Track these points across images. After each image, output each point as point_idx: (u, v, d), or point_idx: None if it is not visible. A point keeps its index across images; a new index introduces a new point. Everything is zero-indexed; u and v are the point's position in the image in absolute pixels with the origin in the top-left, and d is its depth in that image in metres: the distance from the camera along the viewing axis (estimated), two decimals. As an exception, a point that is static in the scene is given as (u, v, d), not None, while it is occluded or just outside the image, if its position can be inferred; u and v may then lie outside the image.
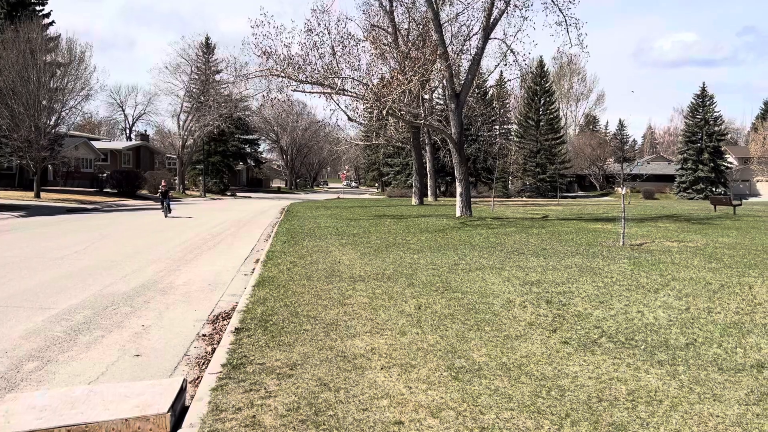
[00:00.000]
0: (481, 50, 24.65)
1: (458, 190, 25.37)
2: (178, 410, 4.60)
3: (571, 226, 21.20)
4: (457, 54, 27.18)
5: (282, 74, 23.50)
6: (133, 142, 68.49)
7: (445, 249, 14.06)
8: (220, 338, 6.87)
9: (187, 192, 58.93)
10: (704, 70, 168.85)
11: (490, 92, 64.54)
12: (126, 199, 43.09)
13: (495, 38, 25.27)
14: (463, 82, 25.61)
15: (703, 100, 70.23)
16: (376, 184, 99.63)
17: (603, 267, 11.36)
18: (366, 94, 22.14)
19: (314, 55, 22.64)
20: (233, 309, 8.41)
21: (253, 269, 11.96)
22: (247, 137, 74.52)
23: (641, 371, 5.40)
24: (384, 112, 21.41)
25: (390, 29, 32.77)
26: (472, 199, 27.15)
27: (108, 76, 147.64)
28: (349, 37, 24.26)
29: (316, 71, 22.84)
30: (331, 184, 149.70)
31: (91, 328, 7.26)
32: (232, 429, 4.16)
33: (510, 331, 6.71)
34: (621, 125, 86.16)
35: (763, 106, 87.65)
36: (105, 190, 47.80)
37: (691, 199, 66.90)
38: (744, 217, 27.94)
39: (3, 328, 7.04)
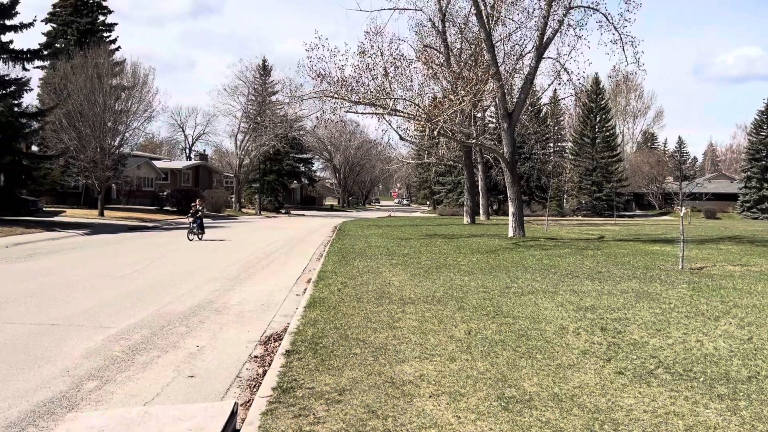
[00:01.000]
0: (534, 69, 24.47)
1: (511, 209, 25.11)
2: (229, 434, 4.68)
3: (627, 248, 20.66)
4: (510, 73, 27.03)
5: (335, 96, 23.86)
6: (192, 162, 70.59)
7: (496, 271, 13.91)
8: (272, 360, 6.96)
9: (243, 210, 60.23)
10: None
11: (544, 110, 63.82)
12: (184, 217, 44.30)
13: (548, 57, 25.08)
14: (515, 101, 25.44)
15: (768, 116, 67.62)
16: (428, 202, 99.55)
17: (661, 292, 11.01)
18: (418, 115, 22.25)
19: (367, 77, 22.93)
20: (285, 330, 8.52)
21: (305, 289, 12.09)
22: (301, 156, 75.82)
23: (700, 405, 5.19)
24: (435, 132, 21.46)
25: (442, 49, 32.91)
26: (525, 219, 26.83)
27: (169, 98, 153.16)
28: (402, 57, 24.48)
29: (369, 92, 23.09)
30: (382, 202, 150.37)
31: (148, 348, 7.48)
32: (281, 455, 4.20)
33: (563, 359, 6.57)
34: (680, 142, 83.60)
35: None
36: (165, 208, 49.31)
37: (756, 218, 64.25)
38: (814, 239, 26.63)
39: (65, 347, 7.33)
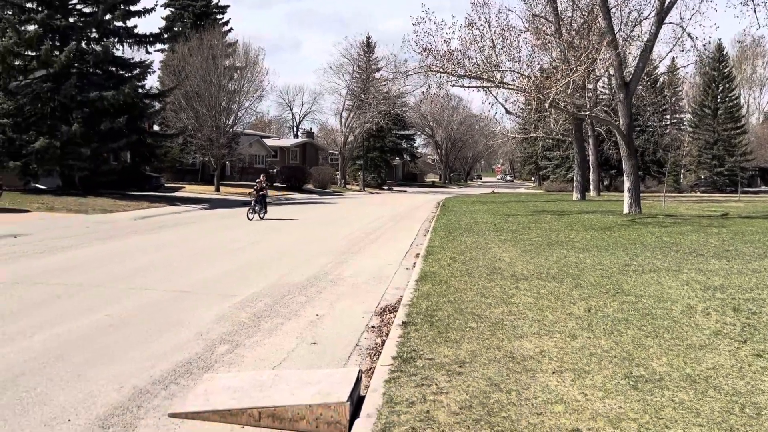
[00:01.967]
0: (654, 36, 23.03)
1: (626, 184, 23.99)
2: (355, 399, 4.81)
3: (756, 226, 19.21)
4: (626, 41, 25.63)
5: (441, 70, 23.62)
6: (300, 140, 72.70)
7: (613, 248, 13.37)
8: (389, 331, 7.08)
9: (347, 186, 61.46)
10: None
11: (661, 79, 60.15)
12: (293, 192, 45.84)
13: (670, 23, 23.52)
14: (632, 70, 24.11)
15: None
16: (533, 178, 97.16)
17: (800, 272, 10.16)
18: (527, 87, 21.61)
19: (474, 49, 22.50)
20: (398, 303, 8.63)
21: (414, 264, 12.19)
22: (403, 133, 76.08)
23: None
24: (546, 105, 20.79)
25: (552, 18, 31.68)
26: (640, 194, 25.53)
27: (277, 78, 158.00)
28: (510, 28, 23.80)
29: (475, 65, 22.67)
30: (484, 178, 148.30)
31: (272, 315, 7.83)
32: (407, 422, 4.27)
33: (692, 339, 6.23)
34: (816, 111, 76.35)
35: None
36: (275, 184, 51.20)
37: None
38: None
39: (196, 313, 7.81)
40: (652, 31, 23.00)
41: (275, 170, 54.48)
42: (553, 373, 5.26)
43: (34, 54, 28.09)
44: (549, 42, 27.11)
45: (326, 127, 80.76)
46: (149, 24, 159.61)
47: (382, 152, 69.34)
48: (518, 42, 24.27)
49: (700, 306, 7.69)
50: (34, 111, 27.72)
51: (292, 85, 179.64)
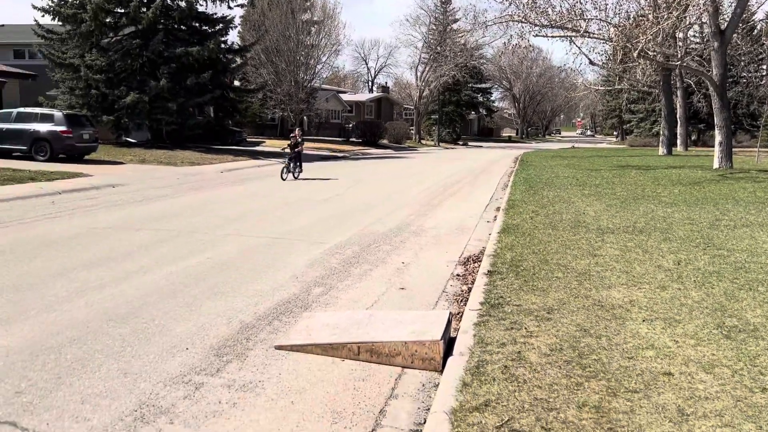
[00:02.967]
0: (754, -22, 21.51)
1: (717, 138, 22.88)
2: (447, 340, 5.04)
3: None
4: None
5: (523, 20, 22.98)
6: (375, 94, 72.60)
7: (702, 203, 12.95)
8: (474, 279, 7.27)
9: (422, 141, 61.24)
10: None
11: (759, 27, 56.05)
12: (369, 147, 46.15)
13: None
14: (728, 17, 22.68)
15: None
16: (615, 133, 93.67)
17: None
18: (615, 36, 20.75)
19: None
20: (482, 253, 8.78)
21: (495, 216, 12.24)
22: (479, 86, 74.65)
23: None
24: (635, 54, 19.94)
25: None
26: (732, 149, 24.31)
27: (353, 31, 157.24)
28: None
29: (559, 14, 21.92)
30: (564, 133, 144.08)
31: (360, 262, 8.15)
32: (499, 361, 4.47)
33: (790, 294, 6.09)
34: None
35: None
36: (351, 139, 51.66)
37: None
38: None
39: (290, 258, 8.23)
40: (753, -27, 21.47)
41: (351, 125, 54.85)
42: (643, 321, 5.31)
43: (123, 11, 29.19)
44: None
45: (401, 81, 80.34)
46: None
47: (457, 106, 68.40)
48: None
49: (799, 261, 7.45)
50: (124, 67, 28.92)
51: (367, 38, 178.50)
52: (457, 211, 13.31)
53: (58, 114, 21.79)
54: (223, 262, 7.78)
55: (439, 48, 55.68)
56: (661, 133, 38.97)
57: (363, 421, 3.92)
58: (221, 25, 32.01)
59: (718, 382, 4.07)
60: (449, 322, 5.28)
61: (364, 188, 17.53)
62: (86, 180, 16.49)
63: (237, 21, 37.29)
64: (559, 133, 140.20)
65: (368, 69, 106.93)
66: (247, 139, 39.05)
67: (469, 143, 66.72)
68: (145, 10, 28.12)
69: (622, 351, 4.62)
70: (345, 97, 64.50)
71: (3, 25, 44.16)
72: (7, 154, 21.21)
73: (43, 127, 21.11)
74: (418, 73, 59.51)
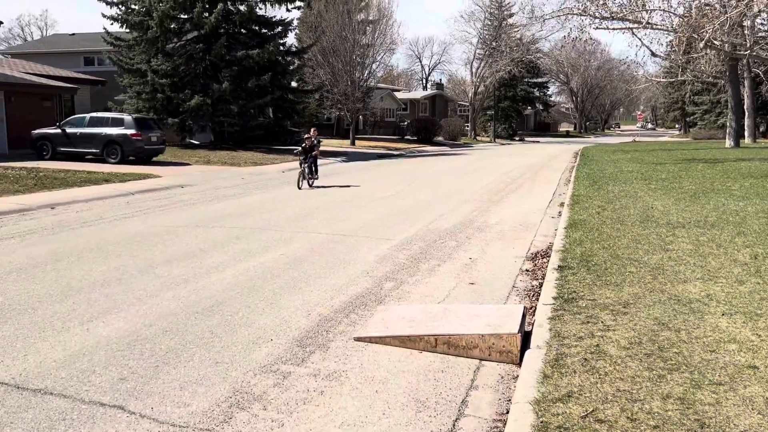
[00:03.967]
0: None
1: (789, 129, 21.93)
2: (523, 333, 5.11)
3: None
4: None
5: (582, 12, 22.61)
6: (429, 92, 72.55)
7: (777, 196, 12.51)
8: (544, 274, 7.28)
9: (477, 138, 60.85)
10: None
11: (834, 10, 53.27)
12: (424, 145, 46.19)
13: None
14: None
15: None
16: (677, 126, 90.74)
17: None
18: (680, 27, 20.17)
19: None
20: (549, 248, 8.77)
21: (560, 212, 12.16)
22: (535, 81, 73.59)
23: None
24: (701, 45, 19.36)
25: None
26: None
27: (407, 29, 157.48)
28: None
29: (621, 5, 21.46)
30: (623, 127, 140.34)
31: (427, 257, 8.27)
32: (578, 354, 4.51)
33: None
34: None
35: None
36: (406, 137, 51.80)
37: None
38: None
39: (359, 253, 8.42)
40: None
41: (406, 123, 54.98)
42: (723, 315, 5.25)
43: (186, 17, 30.14)
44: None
45: (455, 78, 79.84)
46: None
47: (513, 101, 67.68)
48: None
49: None
50: (188, 71, 29.88)
51: (420, 36, 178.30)
52: (520, 207, 13.26)
53: (128, 118, 22.70)
54: (296, 258, 8.03)
55: (494, 43, 55.20)
56: (728, 124, 37.53)
57: (446, 411, 4.04)
58: (280, 27, 32.65)
59: (807, 377, 4.00)
60: (524, 316, 5.34)
61: (422, 185, 17.62)
62: (156, 181, 17.16)
63: (294, 23, 37.94)
64: (619, 127, 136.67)
65: (422, 66, 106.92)
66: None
67: (526, 139, 65.88)
68: (207, 15, 28.93)
69: (704, 344, 4.59)
70: (399, 95, 64.66)
71: (74, 34, 46.28)
72: (80, 157, 22.25)
73: (114, 131, 22.04)
74: (473, 69, 59.17)
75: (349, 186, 17.20)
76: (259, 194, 15.20)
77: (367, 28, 41.03)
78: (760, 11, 31.19)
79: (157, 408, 3.99)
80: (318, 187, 16.48)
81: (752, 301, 5.59)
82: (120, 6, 30.40)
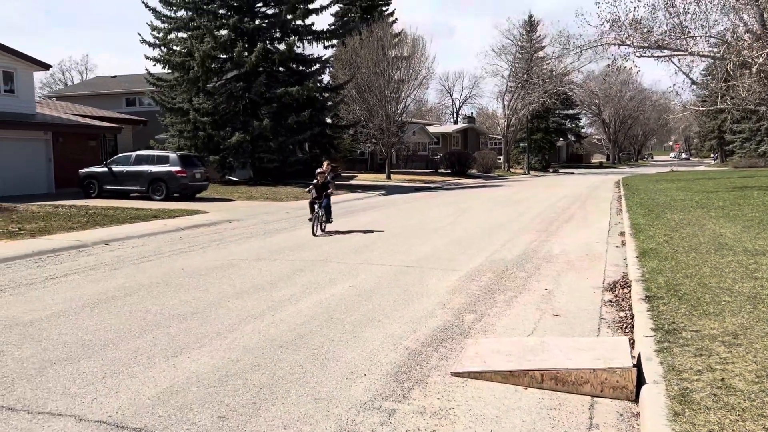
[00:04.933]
0: None
1: None
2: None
3: None
4: None
5: (621, 42, 22.43)
6: (461, 125, 72.71)
7: None
8: (629, 305, 6.96)
9: (511, 170, 60.53)
10: None
11: None
12: (459, 177, 46.02)
13: None
14: None
15: None
16: (712, 155, 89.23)
17: None
18: (728, 54, 19.81)
19: (664, 15, 21.03)
20: (624, 278, 8.45)
21: (622, 241, 11.82)
22: (567, 112, 73.38)
23: None
24: (754, 70, 18.96)
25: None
26: None
27: (437, 65, 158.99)
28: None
29: (665, 33, 21.23)
30: (656, 157, 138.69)
31: (501, 288, 7.99)
32: (705, 389, 4.18)
33: None
34: None
35: None
36: (439, 170, 51.73)
37: None
38: None
39: (429, 285, 8.17)
40: None
41: (438, 156, 54.98)
42: None
43: (226, 56, 30.74)
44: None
45: (485, 111, 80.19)
46: (319, 21, 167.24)
47: (546, 133, 67.41)
48: (706, 5, 22.30)
49: None
50: (228, 109, 30.34)
51: (451, 71, 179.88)
52: (578, 236, 12.91)
53: (173, 155, 23.00)
54: (366, 290, 7.82)
55: (526, 75, 55.23)
56: (774, 152, 36.69)
57: (573, 451, 3.74)
58: (317, 65, 33.11)
59: None
60: (631, 349, 5.02)
61: (471, 216, 17.36)
62: (204, 216, 17.20)
63: (330, 60, 38.47)
64: (652, 158, 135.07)
65: (452, 100, 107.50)
66: (341, 174, 39.83)
67: (559, 170, 65.35)
68: (247, 54, 29.45)
69: (844, 378, 4.22)
70: (431, 129, 64.90)
71: (115, 76, 47.60)
72: (125, 195, 22.56)
73: (159, 169, 22.32)
74: (506, 102, 59.19)
75: (397, 218, 17.02)
76: (307, 227, 15.07)
77: (401, 63, 41.38)
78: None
79: (265, 448, 3.77)
80: (332, 232, 13.60)
81: None
82: (162, 47, 31.16)
